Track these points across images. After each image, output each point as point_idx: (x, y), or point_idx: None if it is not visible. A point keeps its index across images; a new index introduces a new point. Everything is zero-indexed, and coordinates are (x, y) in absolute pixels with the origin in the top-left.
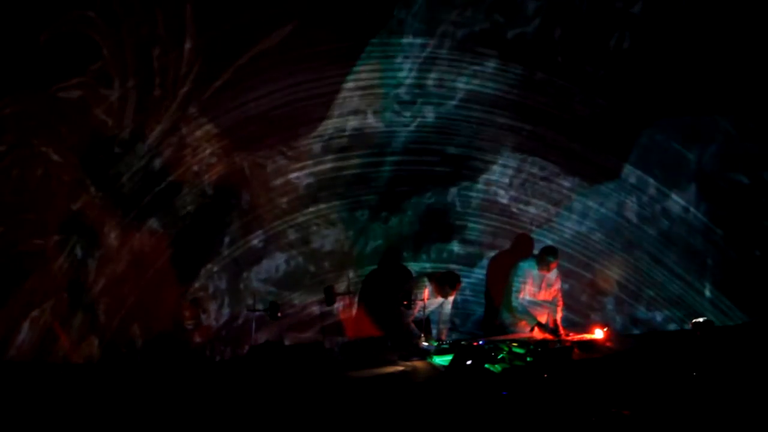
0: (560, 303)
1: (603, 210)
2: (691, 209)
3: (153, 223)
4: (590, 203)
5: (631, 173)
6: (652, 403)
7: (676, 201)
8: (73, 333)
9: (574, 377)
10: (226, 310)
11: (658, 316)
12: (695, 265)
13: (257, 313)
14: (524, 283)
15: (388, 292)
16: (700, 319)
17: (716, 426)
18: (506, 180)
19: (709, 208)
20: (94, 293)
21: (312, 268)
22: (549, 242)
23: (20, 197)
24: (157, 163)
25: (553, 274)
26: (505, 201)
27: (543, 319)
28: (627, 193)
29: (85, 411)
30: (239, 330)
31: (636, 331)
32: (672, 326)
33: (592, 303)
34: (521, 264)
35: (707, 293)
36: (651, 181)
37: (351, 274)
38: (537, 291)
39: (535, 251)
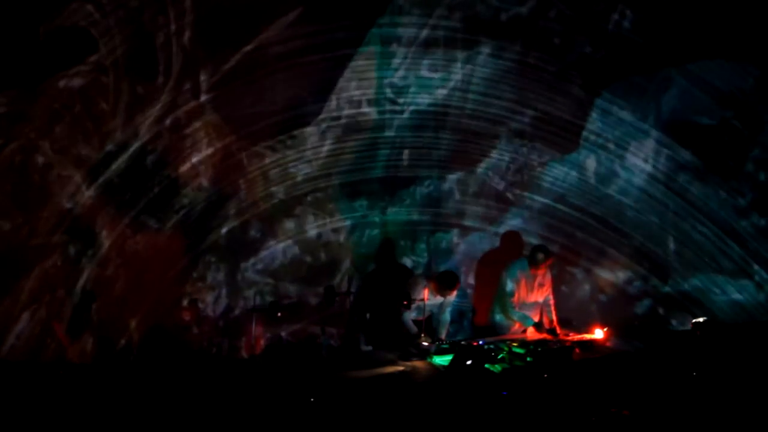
0: (553, 302)
1: (568, 177)
2: (651, 160)
3: (150, 215)
4: (557, 172)
5: (591, 134)
6: (652, 403)
7: (636, 154)
8: (69, 330)
9: (574, 377)
10: (223, 301)
11: (621, 276)
12: (657, 218)
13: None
14: (517, 285)
15: (387, 291)
16: (700, 319)
17: (716, 426)
18: (503, 166)
19: (671, 155)
20: (91, 289)
21: (308, 259)
22: (519, 220)
23: (17, 194)
24: (155, 155)
25: (544, 273)
26: (501, 187)
27: (536, 318)
28: (587, 155)
29: (85, 411)
30: (237, 322)
31: (603, 298)
32: (637, 284)
33: (563, 275)
34: (513, 265)
35: (671, 246)
36: (610, 137)
37: (347, 263)
38: (530, 291)
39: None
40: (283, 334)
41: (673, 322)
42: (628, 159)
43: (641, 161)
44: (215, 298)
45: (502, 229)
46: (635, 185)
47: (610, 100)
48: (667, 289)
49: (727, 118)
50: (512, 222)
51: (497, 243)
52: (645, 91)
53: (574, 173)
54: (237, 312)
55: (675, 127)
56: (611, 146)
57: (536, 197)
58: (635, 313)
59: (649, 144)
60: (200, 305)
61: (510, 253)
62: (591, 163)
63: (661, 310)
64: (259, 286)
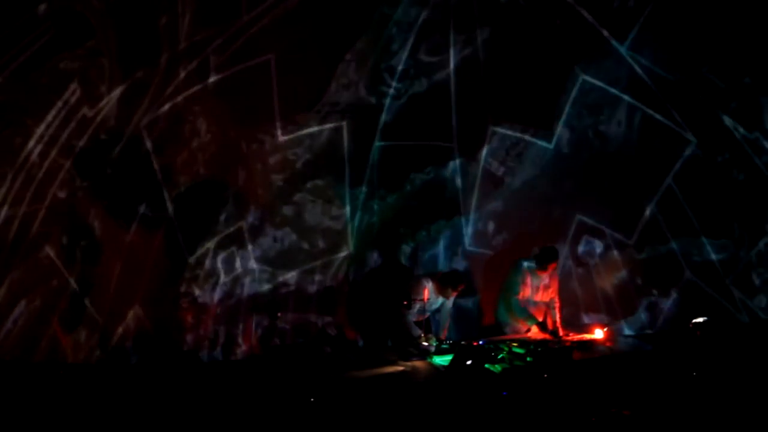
0: (558, 304)
1: (546, 152)
2: (624, 124)
3: (146, 204)
4: (536, 149)
5: (565, 104)
6: (652, 403)
7: (609, 120)
8: (63, 322)
9: (574, 377)
10: (221, 288)
11: (597, 246)
12: (633, 184)
13: (255, 312)
14: (523, 283)
15: (388, 291)
16: (700, 319)
17: (716, 426)
18: (502, 152)
19: (645, 117)
20: (85, 280)
21: (306, 246)
22: (500, 201)
23: (10, 182)
24: (153, 142)
25: (550, 275)
26: (500, 173)
27: (540, 319)
28: (560, 126)
29: (85, 411)
30: (233, 310)
31: (580, 270)
32: (613, 253)
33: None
34: (520, 264)
35: (647, 211)
36: (584, 106)
37: (346, 251)
38: (535, 292)
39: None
40: (280, 324)
41: (653, 292)
42: (602, 125)
43: (615, 126)
44: (212, 286)
45: (485, 213)
46: (610, 152)
47: (583, 68)
48: (644, 255)
49: (702, 71)
50: (494, 204)
51: (480, 227)
52: (618, 54)
53: (550, 147)
54: (234, 300)
55: (649, 87)
56: (585, 114)
57: (517, 176)
58: (612, 284)
59: (623, 107)
60: (197, 293)
61: (516, 252)
62: (565, 135)
63: (639, 280)
64: (257, 273)
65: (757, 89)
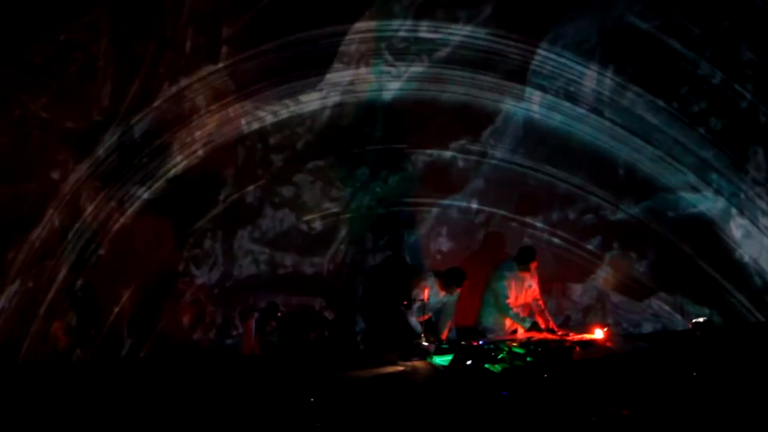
0: (542, 302)
1: (520, 125)
2: (595, 83)
3: (143, 186)
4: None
5: (536, 67)
6: (652, 403)
7: (580, 80)
8: (56, 306)
9: (574, 377)
10: (219, 269)
11: (570, 214)
12: (606, 144)
13: (257, 313)
14: (509, 287)
15: (389, 291)
16: (700, 319)
17: (716, 426)
18: (506, 134)
19: (616, 70)
20: (77, 263)
21: (305, 228)
22: (481, 181)
23: (3, 164)
24: (150, 120)
25: (531, 274)
26: (499, 156)
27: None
28: (531, 92)
29: (85, 410)
30: (231, 292)
31: (556, 241)
32: (589, 217)
33: (523, 230)
34: (502, 267)
35: (620, 171)
36: (554, 70)
37: (344, 233)
38: (519, 293)
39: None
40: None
41: (633, 254)
42: (572, 88)
43: (586, 87)
44: (211, 267)
45: (469, 197)
46: (580, 114)
47: (556, 32)
48: (620, 216)
49: (674, 17)
50: (475, 186)
51: (465, 206)
52: (591, 8)
53: (521, 118)
54: (232, 281)
55: (620, 41)
56: (556, 78)
57: (496, 154)
58: (589, 251)
59: (594, 66)
60: (195, 273)
61: (494, 254)
62: (537, 99)
63: (615, 244)
64: (255, 255)
65: (735, 33)
